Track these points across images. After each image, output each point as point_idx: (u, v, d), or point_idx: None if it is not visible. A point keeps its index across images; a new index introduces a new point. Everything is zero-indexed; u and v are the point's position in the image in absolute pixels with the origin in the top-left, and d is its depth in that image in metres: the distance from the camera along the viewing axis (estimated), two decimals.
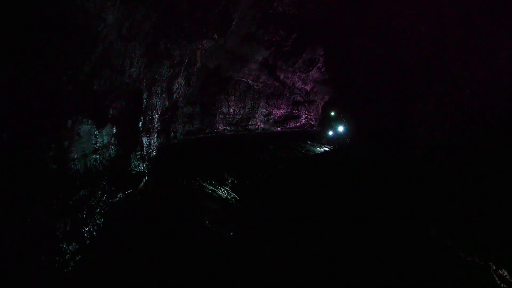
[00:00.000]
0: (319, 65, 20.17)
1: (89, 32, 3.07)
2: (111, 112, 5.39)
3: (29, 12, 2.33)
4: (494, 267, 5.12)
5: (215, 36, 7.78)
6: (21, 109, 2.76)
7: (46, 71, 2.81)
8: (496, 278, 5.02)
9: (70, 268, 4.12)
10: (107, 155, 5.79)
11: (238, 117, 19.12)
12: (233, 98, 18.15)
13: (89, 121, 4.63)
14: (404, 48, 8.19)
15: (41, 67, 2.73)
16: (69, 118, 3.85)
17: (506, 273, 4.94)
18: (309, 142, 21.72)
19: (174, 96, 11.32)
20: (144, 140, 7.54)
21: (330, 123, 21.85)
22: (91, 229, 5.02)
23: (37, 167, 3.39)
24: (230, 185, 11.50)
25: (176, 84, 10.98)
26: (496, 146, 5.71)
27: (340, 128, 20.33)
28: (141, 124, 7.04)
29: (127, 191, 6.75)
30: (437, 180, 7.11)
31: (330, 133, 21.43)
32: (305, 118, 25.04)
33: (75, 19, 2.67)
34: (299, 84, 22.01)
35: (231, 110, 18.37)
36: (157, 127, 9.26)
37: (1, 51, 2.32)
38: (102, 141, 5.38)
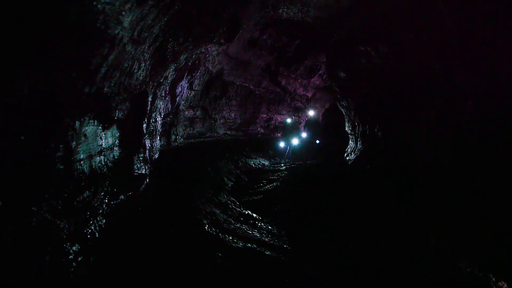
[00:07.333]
0: (320, 72, 20.25)
1: (108, 35, 3.11)
2: (117, 114, 5.40)
3: (55, 19, 2.36)
4: (493, 279, 5.13)
5: (222, 40, 7.84)
6: (39, 111, 2.78)
7: (69, 73, 2.84)
8: None
9: (72, 269, 4.11)
10: (111, 156, 5.79)
11: (238, 121, 19.12)
12: (234, 103, 18.14)
13: (95, 122, 4.64)
14: (406, 57, 8.26)
15: (64, 69, 2.75)
16: (77, 119, 3.86)
17: (505, 285, 4.94)
18: None
19: (177, 99, 11.37)
20: (147, 142, 7.55)
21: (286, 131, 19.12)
22: (94, 230, 5.01)
23: (46, 167, 3.40)
24: (229, 189, 11.52)
25: (179, 88, 11.03)
26: (499, 157, 5.76)
27: (303, 136, 18.36)
28: (145, 126, 7.05)
29: (128, 193, 6.74)
30: (437, 190, 7.15)
31: (281, 144, 18.85)
32: None
33: (95, 22, 2.71)
34: (300, 91, 22.08)
35: (232, 114, 18.35)
36: (160, 130, 9.26)
37: (28, 54, 2.35)
38: (107, 142, 5.40)
